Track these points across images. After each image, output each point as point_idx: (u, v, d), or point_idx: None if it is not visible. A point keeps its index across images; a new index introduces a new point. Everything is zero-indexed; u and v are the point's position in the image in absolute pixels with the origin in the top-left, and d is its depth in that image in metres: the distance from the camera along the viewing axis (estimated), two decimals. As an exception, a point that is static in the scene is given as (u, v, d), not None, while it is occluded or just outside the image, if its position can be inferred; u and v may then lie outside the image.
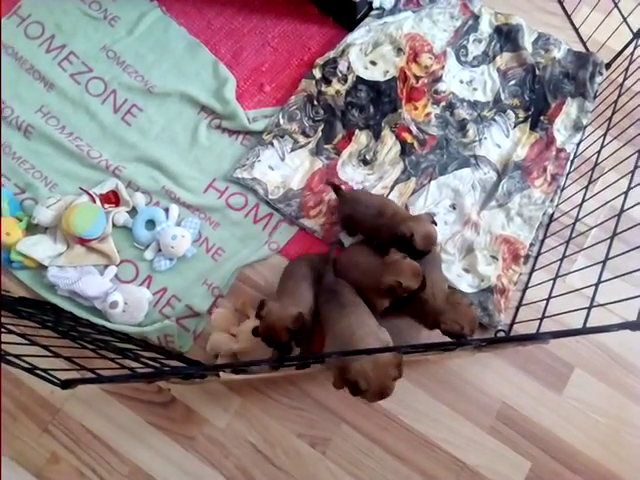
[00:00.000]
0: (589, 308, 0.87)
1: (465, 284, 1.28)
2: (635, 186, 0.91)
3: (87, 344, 0.89)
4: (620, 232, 0.90)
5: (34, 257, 1.29)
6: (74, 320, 1.26)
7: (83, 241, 1.30)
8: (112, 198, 1.37)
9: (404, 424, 1.23)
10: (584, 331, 0.63)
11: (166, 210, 1.36)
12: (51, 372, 0.72)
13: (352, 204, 1.25)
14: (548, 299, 1.11)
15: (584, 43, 1.51)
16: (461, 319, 1.04)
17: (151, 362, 0.94)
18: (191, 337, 1.29)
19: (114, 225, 1.35)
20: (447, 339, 1.06)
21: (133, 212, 1.37)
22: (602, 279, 0.90)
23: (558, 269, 1.13)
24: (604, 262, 0.89)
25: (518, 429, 1.22)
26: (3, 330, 0.84)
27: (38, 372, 0.69)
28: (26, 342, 0.85)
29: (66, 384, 0.66)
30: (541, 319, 1.12)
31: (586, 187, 1.19)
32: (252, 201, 1.38)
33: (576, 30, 1.52)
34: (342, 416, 1.24)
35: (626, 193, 0.92)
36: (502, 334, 1.23)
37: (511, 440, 1.22)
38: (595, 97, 1.44)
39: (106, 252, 1.32)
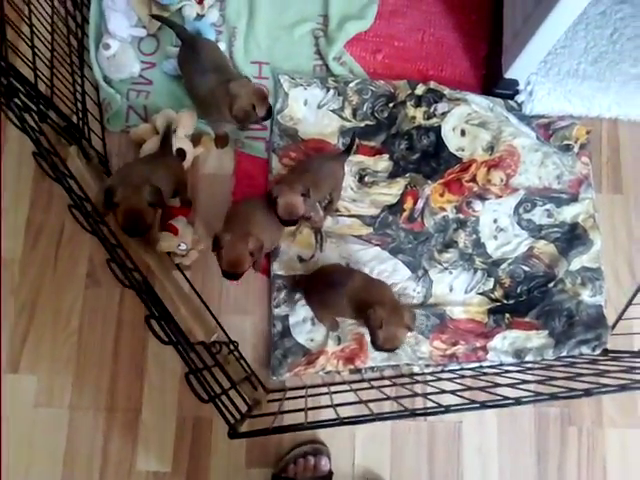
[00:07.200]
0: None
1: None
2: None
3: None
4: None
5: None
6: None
7: (151, -7, 1.38)
8: (202, -5, 1.42)
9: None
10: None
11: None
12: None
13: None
14: (306, 396, 1.06)
15: (616, 322, 1.32)
16: None
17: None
18: (123, 126, 1.36)
19: (179, 11, 1.40)
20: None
21: (198, 18, 1.42)
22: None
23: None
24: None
25: (194, 448, 1.24)
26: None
27: None
28: None
29: None
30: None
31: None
32: (267, 104, 1.39)
33: (621, 316, 1.33)
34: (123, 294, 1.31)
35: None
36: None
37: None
38: (568, 357, 1.27)
39: (154, 19, 1.39)
